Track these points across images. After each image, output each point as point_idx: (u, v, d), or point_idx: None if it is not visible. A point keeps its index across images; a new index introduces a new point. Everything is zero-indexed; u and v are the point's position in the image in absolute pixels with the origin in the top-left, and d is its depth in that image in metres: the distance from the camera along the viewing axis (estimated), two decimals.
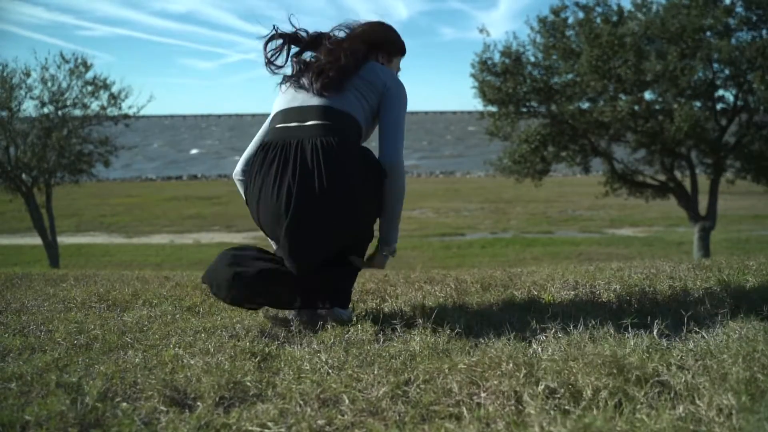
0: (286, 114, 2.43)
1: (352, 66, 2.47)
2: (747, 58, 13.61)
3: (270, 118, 2.55)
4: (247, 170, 2.54)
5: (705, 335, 2.06)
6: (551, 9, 15.90)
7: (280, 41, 2.58)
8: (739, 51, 13.67)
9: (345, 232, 2.34)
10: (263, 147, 2.39)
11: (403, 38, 2.75)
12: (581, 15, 15.45)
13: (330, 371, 1.80)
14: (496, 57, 15.95)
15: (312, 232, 2.25)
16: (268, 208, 2.28)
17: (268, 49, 2.58)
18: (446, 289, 3.03)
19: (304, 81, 2.47)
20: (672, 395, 1.56)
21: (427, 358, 1.88)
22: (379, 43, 2.66)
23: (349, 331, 2.21)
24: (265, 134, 2.54)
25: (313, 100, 2.40)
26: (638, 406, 1.49)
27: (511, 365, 1.72)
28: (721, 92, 15.36)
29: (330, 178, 2.23)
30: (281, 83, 2.58)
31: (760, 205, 24.26)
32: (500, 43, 16.14)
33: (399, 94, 2.51)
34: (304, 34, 2.61)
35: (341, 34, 2.62)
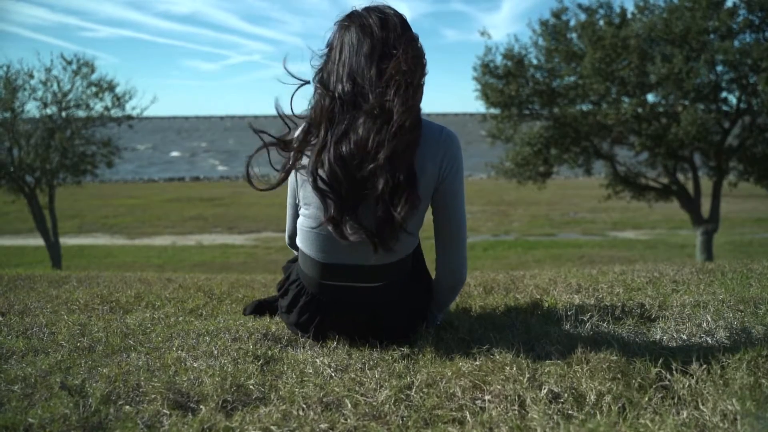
0: (332, 271, 2.04)
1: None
2: (753, 59, 13.51)
3: (301, 216, 2.11)
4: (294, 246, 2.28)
5: (709, 340, 2.05)
6: (552, 12, 15.85)
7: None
8: (745, 53, 13.58)
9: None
10: (308, 296, 2.11)
11: None
12: (583, 17, 15.41)
13: (333, 374, 1.80)
14: (498, 60, 15.92)
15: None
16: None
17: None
18: None
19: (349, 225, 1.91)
20: (676, 400, 1.55)
21: (429, 362, 1.88)
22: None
23: None
24: (295, 226, 2.20)
25: (368, 257, 1.97)
26: (642, 411, 1.49)
27: (514, 369, 1.71)
28: (724, 95, 15.26)
29: (390, 327, 2.10)
30: (305, 134, 1.98)
31: (763, 207, 24.22)
32: (502, 45, 16.15)
33: (457, 158, 2.04)
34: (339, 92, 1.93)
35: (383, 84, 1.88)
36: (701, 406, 1.50)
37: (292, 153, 1.99)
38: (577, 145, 16.02)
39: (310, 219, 2.06)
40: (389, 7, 2.04)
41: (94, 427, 1.47)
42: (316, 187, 1.89)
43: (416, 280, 2.18)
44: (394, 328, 2.10)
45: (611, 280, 3.17)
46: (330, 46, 2.02)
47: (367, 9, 2.02)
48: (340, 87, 1.92)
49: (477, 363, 1.78)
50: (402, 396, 1.62)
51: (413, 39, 1.98)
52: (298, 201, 2.13)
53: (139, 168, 51.06)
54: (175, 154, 68.93)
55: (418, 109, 1.94)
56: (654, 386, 1.60)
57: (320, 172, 1.89)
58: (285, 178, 2.05)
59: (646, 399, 1.54)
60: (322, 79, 1.98)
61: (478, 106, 16.70)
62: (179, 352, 2.00)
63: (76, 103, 17.58)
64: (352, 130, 1.87)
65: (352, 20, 2.00)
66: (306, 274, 2.12)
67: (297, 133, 2.02)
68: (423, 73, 1.96)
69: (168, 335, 2.23)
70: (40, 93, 17.33)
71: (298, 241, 2.14)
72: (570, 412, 1.51)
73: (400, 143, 1.84)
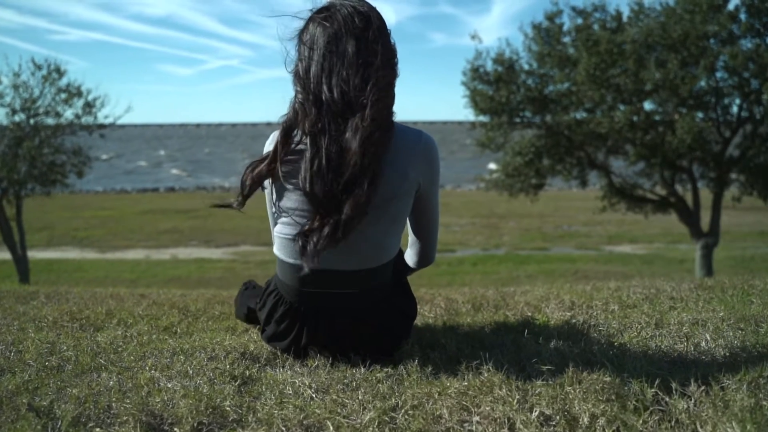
0: (312, 277, 1.96)
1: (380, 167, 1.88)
2: (759, 64, 13.32)
3: (274, 220, 2.06)
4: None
5: (708, 360, 1.99)
6: (546, 14, 15.57)
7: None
8: (751, 58, 13.38)
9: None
10: (286, 305, 2.05)
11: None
12: (579, 21, 15.16)
13: (314, 396, 1.73)
14: (489, 65, 15.64)
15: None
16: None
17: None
18: (436, 310, 2.97)
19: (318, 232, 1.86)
20: (673, 423, 1.49)
21: (415, 383, 1.81)
22: None
23: None
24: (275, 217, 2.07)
25: (342, 263, 1.95)
26: None
27: (504, 390, 1.66)
28: (725, 102, 14.96)
29: (372, 337, 2.04)
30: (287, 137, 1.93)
31: (766, 221, 24.12)
32: (493, 50, 15.88)
33: (437, 164, 2.03)
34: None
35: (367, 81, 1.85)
36: (700, 430, 1.45)
37: (270, 163, 1.96)
38: (571, 155, 15.82)
39: (289, 227, 1.99)
40: (365, 3, 1.99)
41: None
42: (314, 202, 1.86)
43: (398, 290, 2.15)
44: (375, 339, 2.05)
45: (606, 297, 3.12)
46: (308, 42, 1.93)
47: (342, 4, 1.95)
48: (326, 93, 1.86)
49: (465, 383, 1.72)
50: (386, 418, 1.56)
51: (389, 39, 1.98)
52: (275, 211, 2.06)
53: (96, 179, 47.42)
54: (142, 163, 68.68)
55: (390, 110, 1.93)
56: (650, 408, 1.54)
57: (316, 186, 1.84)
58: (258, 186, 2.00)
59: (642, 422, 1.48)
60: (304, 82, 1.91)
61: (467, 114, 16.37)
62: (152, 371, 1.93)
63: (45, 111, 17.04)
64: (343, 141, 1.83)
65: (333, 16, 1.92)
66: (284, 282, 2.07)
67: (274, 140, 1.98)
68: (395, 74, 1.96)
69: (141, 354, 2.16)
70: (7, 99, 16.82)
71: (276, 250, 2.09)
72: None
73: (372, 143, 1.82)
